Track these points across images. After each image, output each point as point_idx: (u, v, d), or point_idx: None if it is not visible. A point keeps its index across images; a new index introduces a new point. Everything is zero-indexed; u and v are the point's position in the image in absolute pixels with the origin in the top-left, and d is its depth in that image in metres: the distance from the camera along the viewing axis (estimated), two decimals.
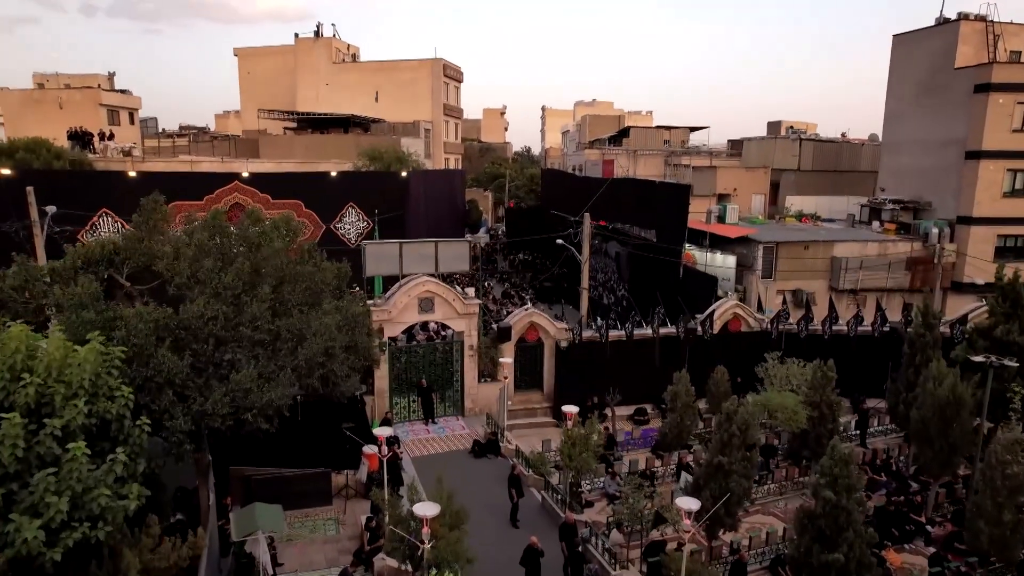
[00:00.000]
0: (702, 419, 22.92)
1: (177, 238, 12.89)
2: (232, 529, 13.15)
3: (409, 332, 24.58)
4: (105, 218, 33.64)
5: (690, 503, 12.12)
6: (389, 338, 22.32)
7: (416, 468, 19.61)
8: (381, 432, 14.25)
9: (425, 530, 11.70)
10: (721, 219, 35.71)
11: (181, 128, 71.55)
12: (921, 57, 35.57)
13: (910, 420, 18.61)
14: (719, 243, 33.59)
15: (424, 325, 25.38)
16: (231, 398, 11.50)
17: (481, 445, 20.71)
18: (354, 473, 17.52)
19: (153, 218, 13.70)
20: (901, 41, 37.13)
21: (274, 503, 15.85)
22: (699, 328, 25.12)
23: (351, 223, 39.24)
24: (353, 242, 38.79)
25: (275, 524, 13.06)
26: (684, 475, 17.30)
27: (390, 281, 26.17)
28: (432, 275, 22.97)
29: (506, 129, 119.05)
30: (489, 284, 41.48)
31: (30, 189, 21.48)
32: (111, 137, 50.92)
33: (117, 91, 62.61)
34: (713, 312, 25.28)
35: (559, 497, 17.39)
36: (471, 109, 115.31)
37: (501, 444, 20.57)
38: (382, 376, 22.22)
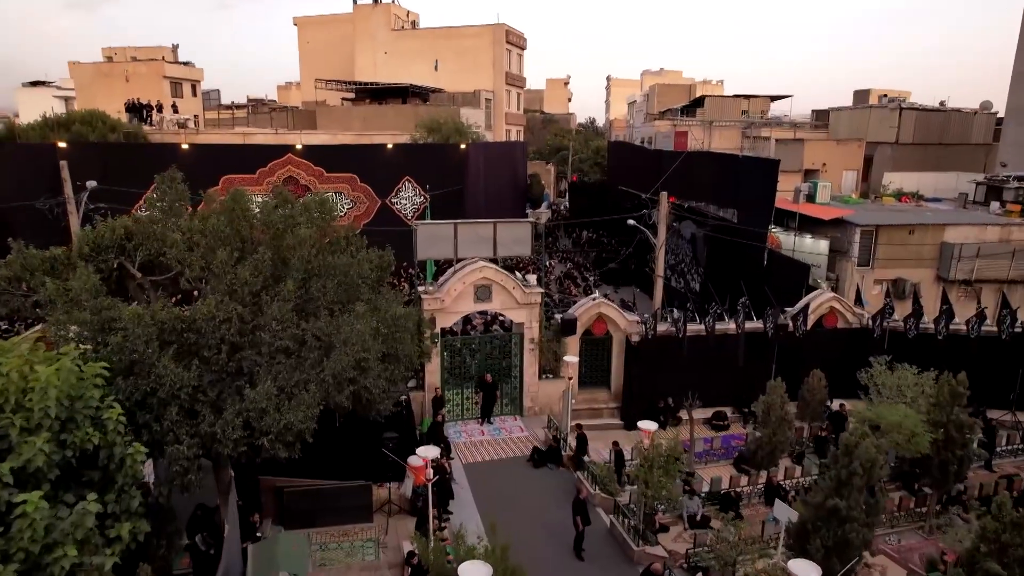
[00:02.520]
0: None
1: (189, 224, 10.94)
2: (249, 569, 11.35)
3: (465, 317, 22.50)
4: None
5: (807, 570, 9.54)
6: (442, 329, 20.26)
7: (469, 478, 17.60)
8: (425, 454, 12.16)
9: None
10: (811, 198, 32.02)
11: (249, 100, 71.24)
12: None
13: None
14: (806, 225, 30.07)
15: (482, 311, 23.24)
16: (244, 419, 9.55)
17: (541, 453, 18.51)
18: (398, 486, 15.59)
19: (169, 197, 11.82)
20: None
21: (308, 518, 14.15)
22: (790, 324, 22.05)
23: (407, 198, 37.45)
24: (410, 218, 37.03)
25: (298, 566, 11.20)
26: (780, 506, 14.65)
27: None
28: (490, 260, 20.71)
29: (569, 100, 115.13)
30: (551, 264, 38.93)
31: (63, 164, 20.14)
32: (173, 109, 50.54)
33: (180, 63, 62.44)
34: (808, 305, 22.13)
35: (630, 523, 15.01)
36: (533, 79, 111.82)
37: (564, 452, 18.30)
38: (433, 371, 20.22)
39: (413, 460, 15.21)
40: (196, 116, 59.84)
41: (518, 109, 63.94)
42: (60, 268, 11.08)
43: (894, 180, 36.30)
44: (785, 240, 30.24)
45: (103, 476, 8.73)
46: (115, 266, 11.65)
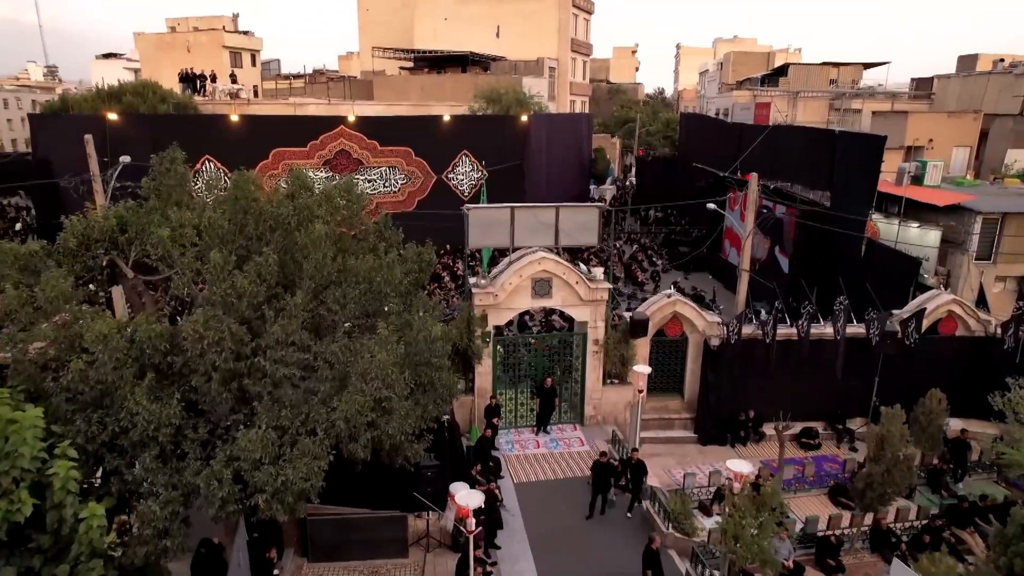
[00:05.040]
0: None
1: (180, 216, 8.89)
2: None
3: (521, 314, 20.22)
4: (208, 165, 31.64)
5: None
6: (495, 327, 18.01)
7: (520, 500, 15.42)
8: (466, 502, 9.94)
9: None
10: (917, 180, 28.04)
11: (314, 71, 70.17)
12: None
13: None
14: (910, 211, 26.25)
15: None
16: (233, 471, 7.53)
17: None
18: (438, 518, 13.53)
19: (168, 182, 9.84)
20: None
21: (335, 552, 12.26)
22: (901, 330, 18.81)
23: (464, 173, 35.23)
24: (466, 194, 34.86)
25: None
26: (899, 568, 11.87)
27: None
28: (551, 249, 18.28)
29: (636, 69, 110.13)
30: (618, 246, 35.98)
31: (88, 138, 18.61)
32: (231, 79, 49.57)
33: (240, 33, 61.63)
34: (924, 309, 18.82)
35: None
36: (599, 47, 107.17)
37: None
38: (485, 373, 18.04)
39: (456, 489, 13.15)
40: (255, 86, 59.12)
41: (584, 78, 60.57)
42: (38, 268, 9.27)
43: (1019, 158, 31.68)
44: (885, 229, 26.52)
45: (54, 542, 6.89)
46: (104, 264, 9.78)
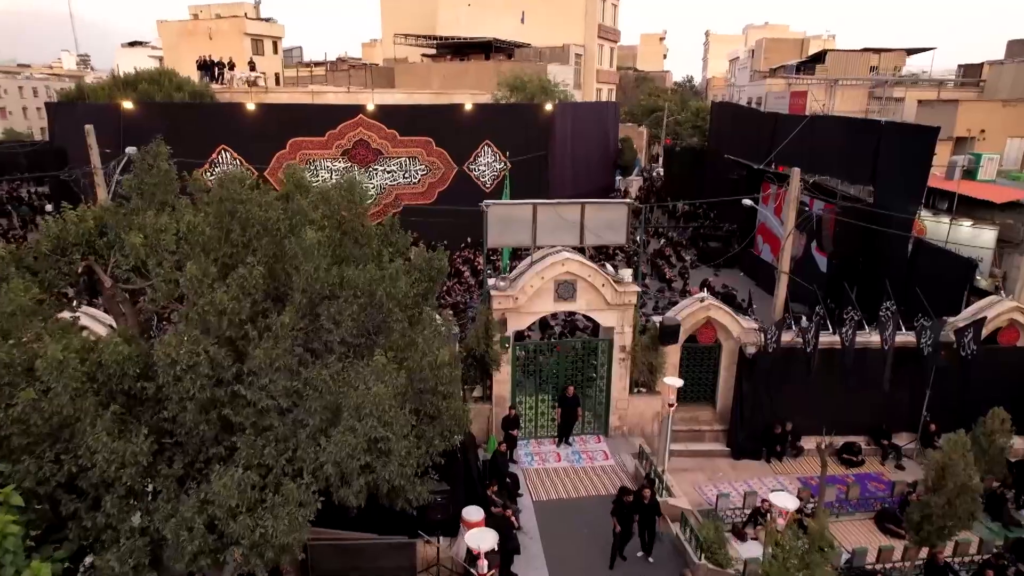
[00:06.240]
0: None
1: (155, 222, 7.84)
2: None
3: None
4: (224, 154, 30.92)
5: None
6: (515, 332, 16.88)
7: (539, 521, 14.31)
8: (477, 544, 8.85)
9: None
10: (970, 174, 26.20)
11: (337, 59, 69.34)
12: None
13: None
14: (961, 209, 24.45)
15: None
16: (207, 518, 6.51)
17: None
18: (449, 545, 12.48)
19: (150, 180, 8.82)
20: None
21: None
22: (956, 340, 17.30)
23: (486, 164, 34.07)
24: (488, 186, 33.74)
25: None
26: None
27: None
28: (576, 249, 17.08)
29: (664, 56, 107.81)
30: (645, 239, 34.51)
31: (89, 128, 17.74)
32: (250, 66, 48.87)
33: (261, 20, 60.96)
34: (983, 317, 17.28)
35: None
36: (626, 34, 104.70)
37: (659, 497, 14.60)
38: (503, 381, 16.94)
39: (469, 514, 12.12)
40: (276, 74, 58.41)
41: (611, 66, 58.90)
42: (4, 275, 8.34)
43: None
44: (933, 227, 24.80)
45: None
46: (80, 271, 8.81)
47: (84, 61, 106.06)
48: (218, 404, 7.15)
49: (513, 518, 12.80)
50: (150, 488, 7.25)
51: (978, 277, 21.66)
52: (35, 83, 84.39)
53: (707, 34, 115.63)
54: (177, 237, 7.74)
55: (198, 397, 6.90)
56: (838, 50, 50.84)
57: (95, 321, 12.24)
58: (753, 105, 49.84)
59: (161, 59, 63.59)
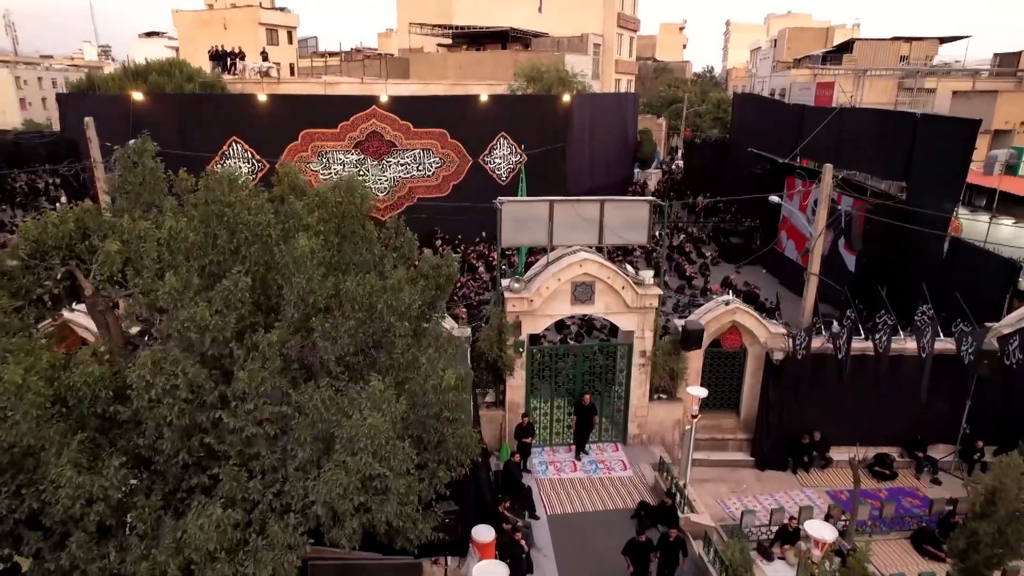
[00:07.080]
0: None
1: (132, 227, 7.14)
2: None
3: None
4: (236, 146, 30.32)
5: None
6: (530, 335, 16.10)
7: (553, 536, 13.58)
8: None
9: None
10: (1012, 169, 24.96)
11: (353, 49, 68.64)
12: None
13: None
14: (1000, 206, 23.25)
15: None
16: (182, 562, 5.82)
17: (649, 510, 14.15)
18: (458, 566, 11.79)
19: (133, 180, 8.13)
20: None
21: None
22: (1000, 348, 16.25)
23: (502, 156, 33.17)
24: (504, 179, 32.88)
25: None
26: None
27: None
28: (594, 249, 16.24)
29: (684, 47, 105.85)
30: (664, 233, 33.47)
31: (89, 120, 17.16)
32: (263, 56, 48.34)
33: (276, 9, 60.39)
34: None
35: None
36: (645, 23, 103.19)
37: (681, 514, 13.81)
38: (516, 386, 16.19)
39: (479, 534, 11.39)
40: (291, 64, 57.83)
41: (630, 56, 57.65)
42: None
43: None
44: (970, 225, 23.60)
45: None
46: (59, 276, 8.16)
47: (105, 52, 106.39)
48: (200, 430, 6.46)
49: (523, 541, 12.03)
50: (129, 519, 6.58)
51: (1021, 280, 20.51)
52: (55, 74, 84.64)
53: (727, 23, 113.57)
54: (159, 244, 7.03)
55: (177, 423, 6.21)
56: (867, 39, 49.21)
57: (90, 322, 11.67)
58: (776, 96, 48.54)
59: (177, 49, 63.28)
